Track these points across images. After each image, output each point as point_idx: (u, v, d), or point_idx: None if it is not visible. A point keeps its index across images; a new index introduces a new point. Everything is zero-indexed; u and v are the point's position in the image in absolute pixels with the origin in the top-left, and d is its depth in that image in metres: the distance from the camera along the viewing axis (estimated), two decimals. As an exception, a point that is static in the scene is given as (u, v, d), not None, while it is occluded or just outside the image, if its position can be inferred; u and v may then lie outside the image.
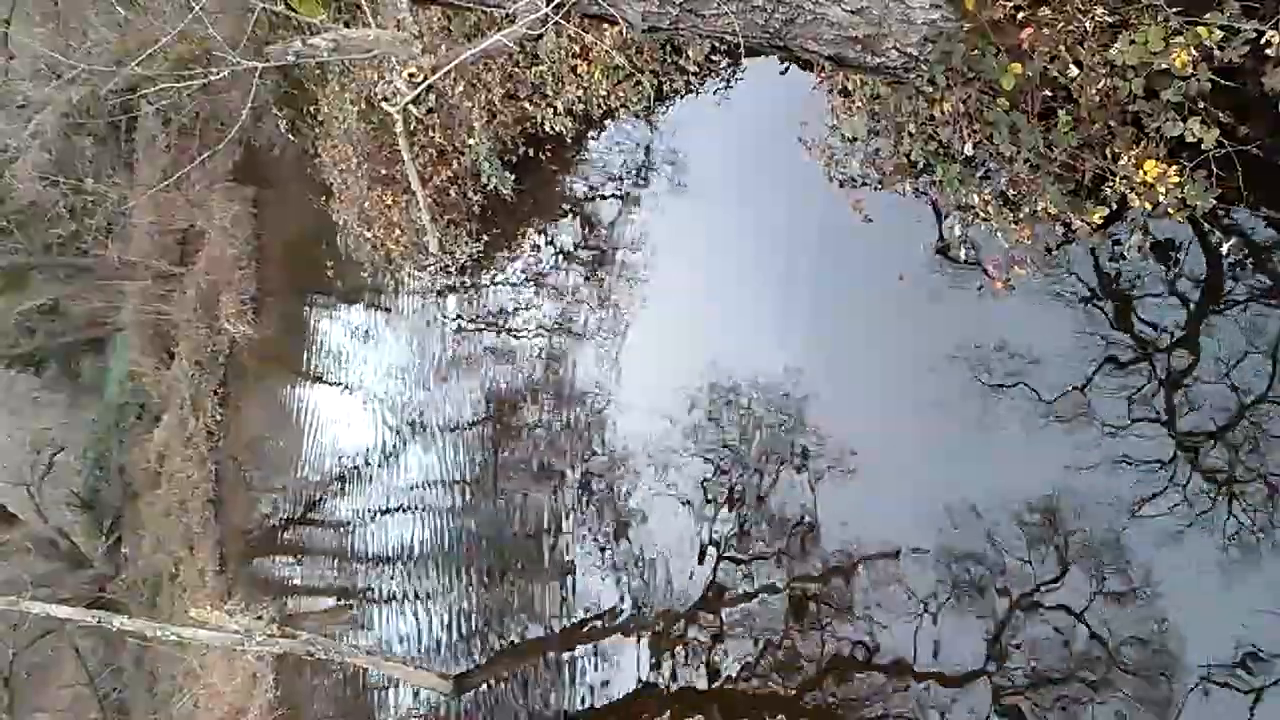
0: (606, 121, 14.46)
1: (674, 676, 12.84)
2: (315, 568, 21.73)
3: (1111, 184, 8.04)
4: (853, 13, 7.68)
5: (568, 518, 14.77)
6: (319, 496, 21.84)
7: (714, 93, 13.27)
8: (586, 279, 15.16)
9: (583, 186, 15.35)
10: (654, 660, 13.15)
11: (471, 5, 7.28)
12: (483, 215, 16.04)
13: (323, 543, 21.60)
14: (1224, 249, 8.34)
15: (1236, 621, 8.44)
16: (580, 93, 13.50)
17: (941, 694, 10.30)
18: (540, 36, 6.91)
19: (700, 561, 12.75)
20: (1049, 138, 8.13)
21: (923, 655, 10.47)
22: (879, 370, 11.29)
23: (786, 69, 11.58)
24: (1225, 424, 8.76)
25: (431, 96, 6.79)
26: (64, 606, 19.58)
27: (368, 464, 20.02)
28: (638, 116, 14.14)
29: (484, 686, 15.90)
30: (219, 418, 25.34)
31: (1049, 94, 8.05)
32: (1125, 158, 7.78)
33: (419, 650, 17.40)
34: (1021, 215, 8.95)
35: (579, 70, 13.32)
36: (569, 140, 14.37)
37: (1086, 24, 7.55)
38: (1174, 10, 7.10)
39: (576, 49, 13.08)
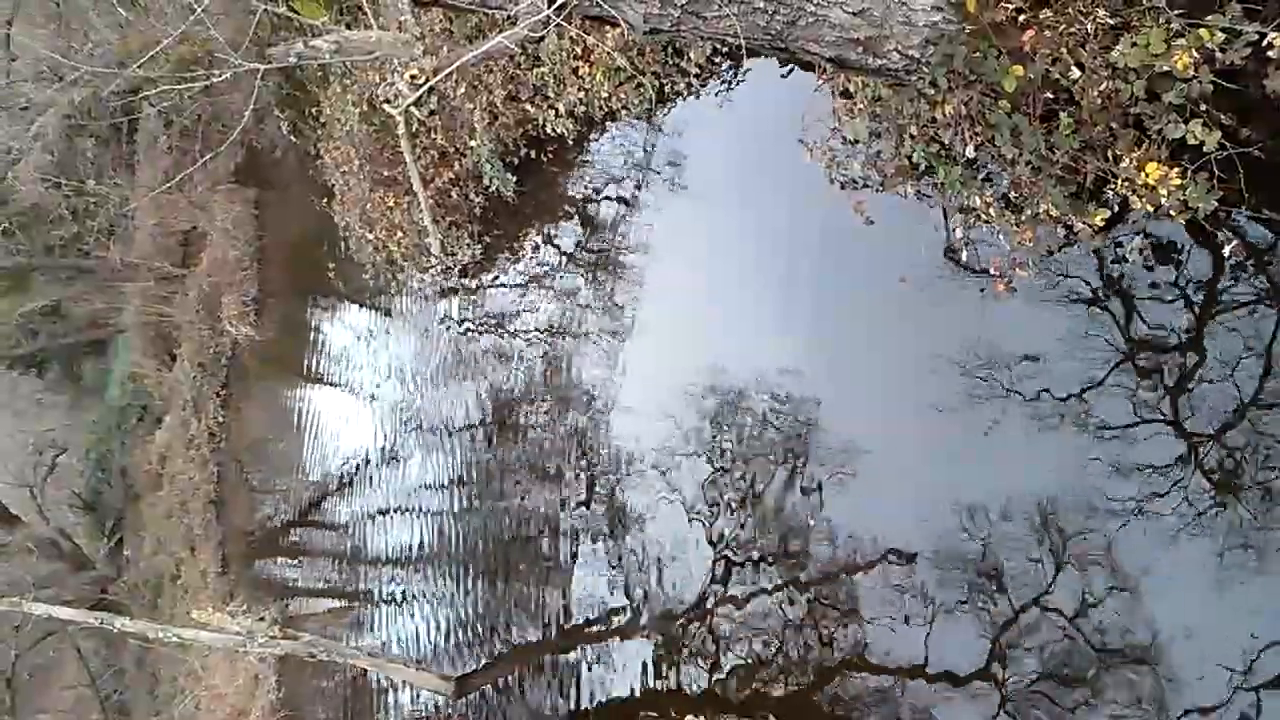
0: (608, 123, 14.46)
1: (675, 678, 12.84)
2: (317, 569, 21.73)
3: (1113, 186, 8.03)
4: (854, 15, 7.68)
5: (569, 519, 14.77)
6: (321, 498, 21.84)
7: (715, 95, 13.26)
8: (588, 281, 15.16)
9: (584, 188, 15.34)
10: (655, 662, 13.15)
11: (473, 7, 7.28)
12: (484, 217, 16.06)
13: (324, 544, 21.61)
14: (1226, 251, 8.33)
15: (1241, 623, 8.43)
16: (582, 94, 13.51)
17: (944, 696, 10.29)
18: (542, 38, 6.91)
19: (702, 563, 12.75)
20: (1051, 140, 8.12)
21: (925, 657, 10.46)
22: (881, 372, 11.28)
23: (788, 71, 11.58)
24: (1227, 426, 8.74)
25: (433, 98, 6.81)
26: (66, 608, 19.63)
27: (369, 465, 20.03)
28: (639, 118, 14.14)
29: (485, 688, 15.90)
30: (221, 419, 25.37)
31: (1051, 96, 8.05)
32: (1127, 160, 7.78)
33: (420, 652, 17.40)
34: (1023, 217, 8.94)
35: (580, 72, 13.33)
36: (571, 142, 14.38)
37: (1088, 26, 7.54)
38: (1176, 12, 7.09)
39: (578, 51, 13.08)
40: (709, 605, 12.60)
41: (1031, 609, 9.73)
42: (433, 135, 15.14)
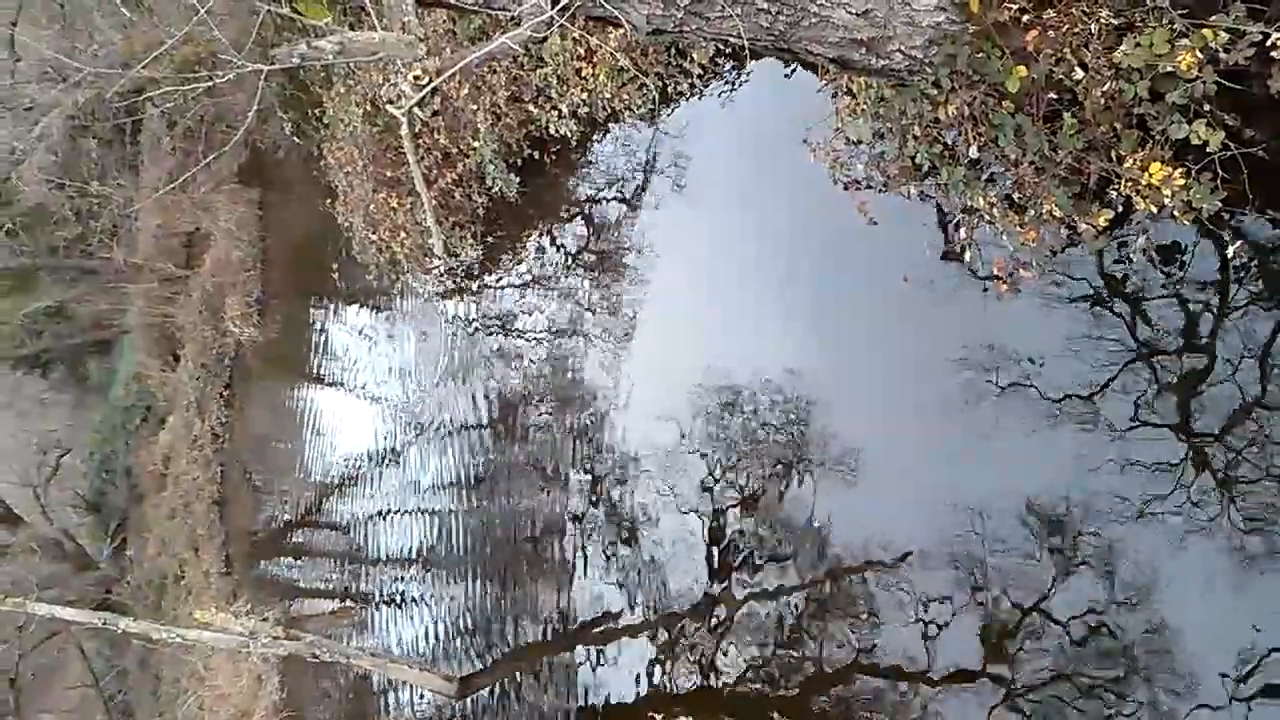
0: (611, 124, 14.47)
1: (678, 679, 12.83)
2: (320, 570, 21.75)
3: (1117, 186, 8.03)
4: (857, 15, 7.67)
5: (572, 520, 14.77)
6: (324, 498, 21.86)
7: (718, 95, 13.27)
8: (590, 281, 15.17)
9: (587, 189, 15.35)
10: (658, 662, 13.15)
11: (477, 8, 7.28)
12: (487, 217, 16.06)
13: (327, 545, 21.62)
14: (1229, 251, 8.32)
15: (1247, 624, 8.42)
16: (585, 95, 13.51)
17: (947, 697, 10.28)
18: (545, 39, 6.92)
19: (703, 563, 12.74)
20: (1054, 140, 8.12)
21: (927, 658, 10.45)
22: (884, 373, 11.27)
23: (791, 72, 11.57)
24: (1232, 425, 8.73)
25: (436, 99, 6.81)
26: (70, 608, 19.62)
27: (372, 466, 20.05)
28: (642, 119, 14.14)
29: (488, 689, 15.90)
30: (224, 420, 25.41)
31: (1054, 96, 8.05)
32: (1130, 160, 7.78)
33: (424, 652, 17.41)
34: (1027, 218, 8.94)
35: (583, 73, 13.33)
36: (574, 143, 14.39)
37: (1092, 27, 7.54)
38: (1179, 13, 7.09)
39: (581, 52, 13.08)
40: (711, 605, 12.60)
41: (1035, 610, 9.72)
42: (436, 136, 15.15)
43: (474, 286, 17.14)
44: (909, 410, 10.94)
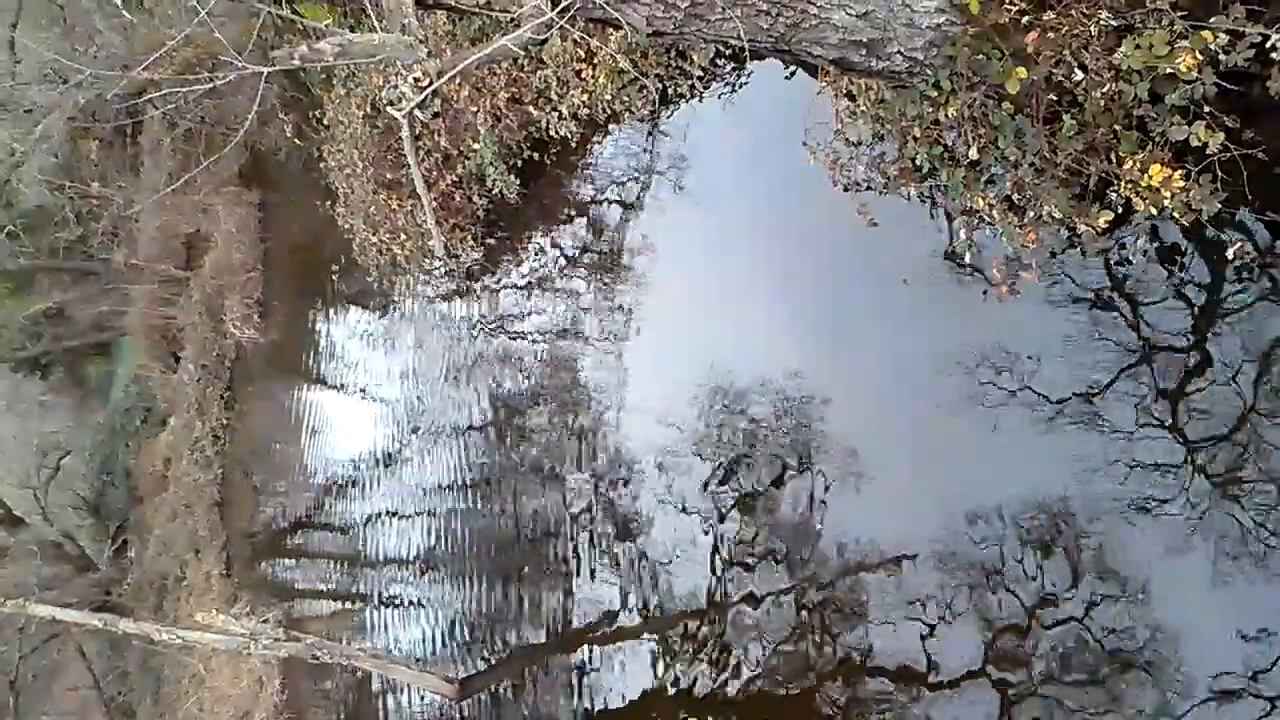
0: (611, 126, 14.48)
1: (680, 680, 12.83)
2: (321, 571, 21.74)
3: (1116, 188, 8.04)
4: (857, 17, 7.69)
5: (573, 522, 14.78)
6: (324, 500, 21.86)
7: (719, 97, 13.27)
8: (591, 283, 15.17)
9: (588, 191, 15.36)
10: (660, 664, 13.15)
11: (477, 10, 7.30)
12: (488, 219, 16.08)
13: (328, 546, 21.62)
14: (1229, 252, 8.32)
15: (1250, 625, 8.42)
16: (585, 97, 13.52)
17: (949, 699, 10.28)
18: (545, 41, 6.93)
19: (706, 565, 12.74)
20: (1054, 142, 8.13)
21: (931, 660, 10.45)
22: (885, 375, 11.28)
23: (791, 73, 11.58)
24: (1233, 428, 8.74)
25: (437, 101, 6.80)
26: (70, 610, 19.64)
27: (373, 468, 20.05)
28: (642, 121, 14.16)
29: (489, 690, 15.90)
30: (225, 421, 25.41)
31: (1054, 98, 8.05)
32: (1130, 162, 7.78)
33: (424, 654, 17.41)
34: (1027, 219, 8.94)
35: (584, 75, 13.34)
36: (574, 144, 14.39)
37: (1091, 28, 7.55)
38: (1179, 14, 7.10)
39: (581, 53, 13.09)
40: (713, 607, 12.60)
41: (1037, 611, 9.72)
42: (436, 138, 15.15)
43: (474, 288, 17.15)
44: (909, 412, 10.95)
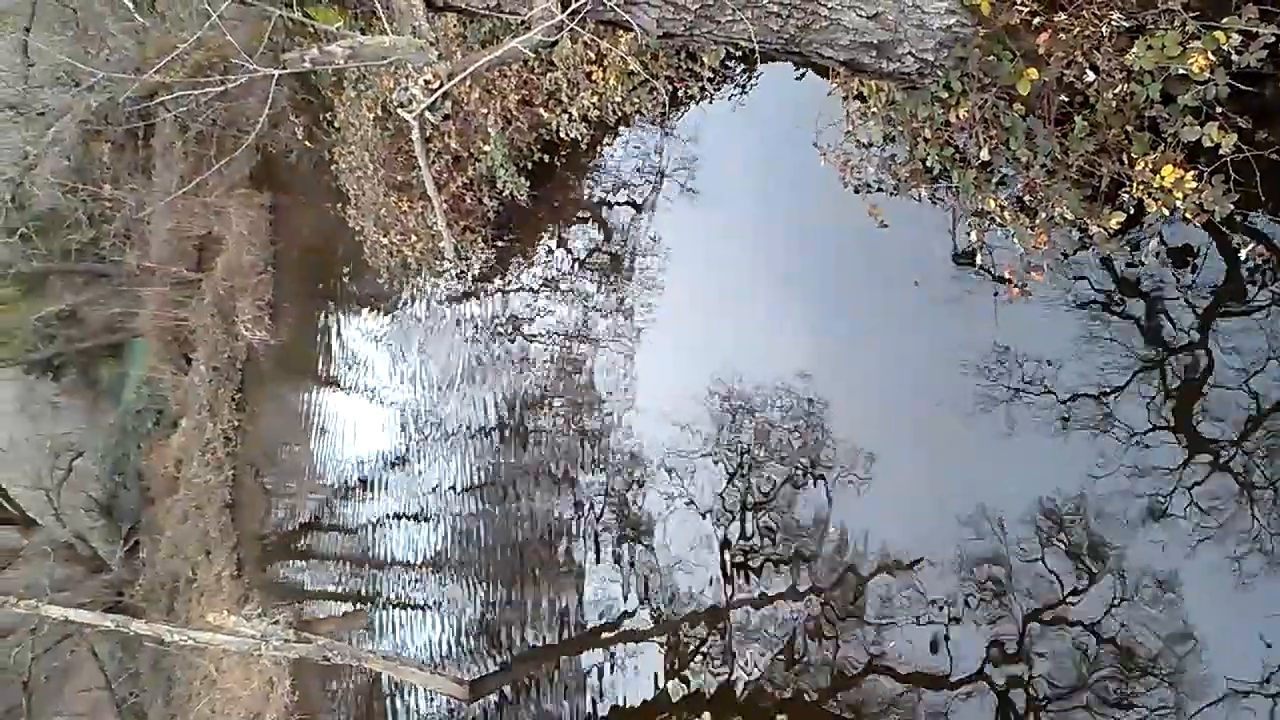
0: (621, 127, 14.49)
1: (689, 682, 12.83)
2: (331, 572, 21.79)
3: (1128, 189, 8.01)
4: (868, 19, 7.67)
5: (583, 523, 14.78)
6: (334, 501, 21.91)
7: (729, 99, 13.27)
8: (601, 284, 15.17)
9: (598, 192, 15.37)
10: (668, 666, 13.14)
11: (487, 12, 7.30)
12: (498, 221, 16.10)
13: (338, 548, 21.67)
14: (1242, 254, 8.29)
15: (1261, 630, 8.38)
16: (595, 99, 13.51)
17: (957, 702, 10.26)
18: (555, 43, 6.93)
19: (714, 567, 12.74)
20: (1065, 143, 8.10)
21: (938, 663, 10.42)
22: (895, 376, 11.26)
23: (801, 75, 11.57)
24: (1246, 430, 8.70)
25: (447, 103, 6.79)
26: (82, 611, 19.71)
27: (383, 469, 20.09)
28: (652, 123, 14.17)
29: (499, 692, 15.92)
30: (236, 423, 25.49)
31: (1065, 99, 8.03)
32: (1142, 163, 7.75)
33: (435, 655, 17.43)
34: (1038, 221, 8.91)
35: (594, 76, 13.34)
36: (584, 146, 14.39)
37: (1103, 29, 7.52)
38: (1191, 15, 7.08)
39: (591, 55, 13.10)
40: (722, 609, 12.59)
41: (1046, 613, 9.69)
42: (446, 140, 15.18)
43: (485, 290, 17.17)
44: (920, 413, 10.93)
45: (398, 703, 18.43)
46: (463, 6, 7.24)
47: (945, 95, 8.34)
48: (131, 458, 30.42)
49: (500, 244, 16.28)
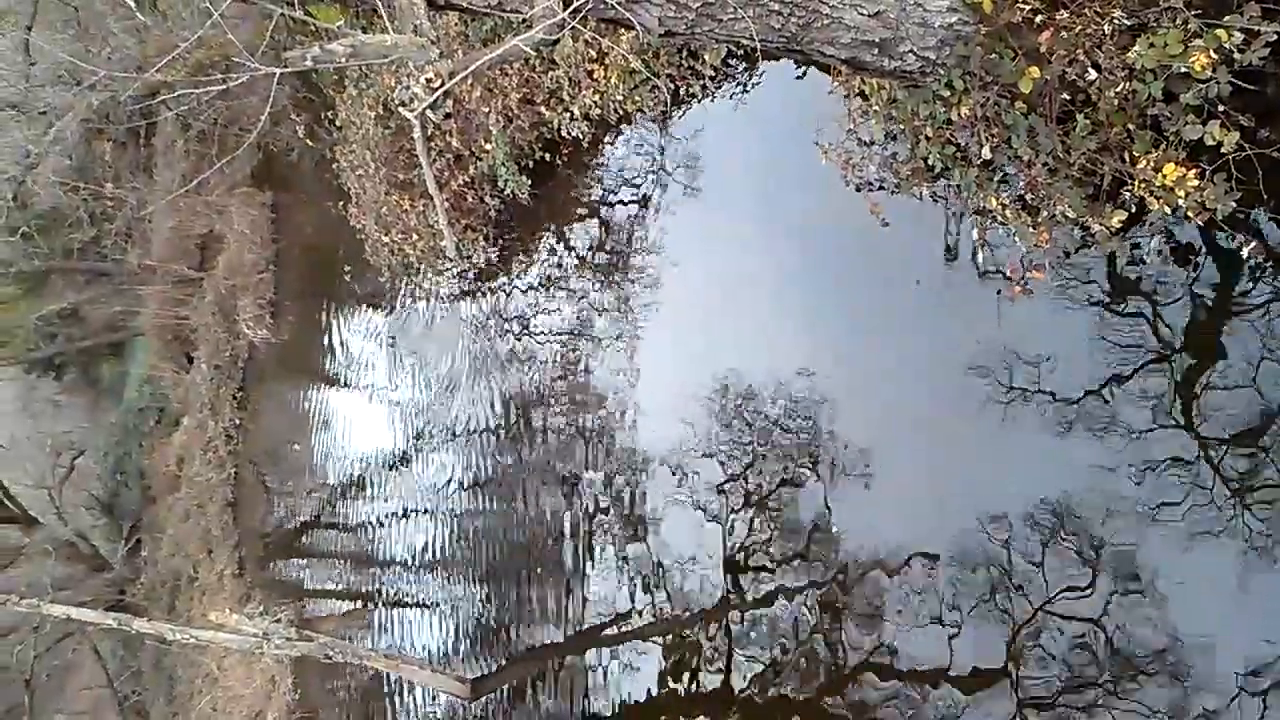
0: (623, 126, 14.48)
1: (691, 681, 12.84)
2: (332, 571, 21.81)
3: (1130, 187, 8.00)
4: (869, 17, 7.67)
5: (584, 522, 14.79)
6: (336, 500, 21.93)
7: (730, 97, 13.26)
8: (602, 283, 15.18)
9: (599, 191, 15.37)
10: (671, 664, 13.15)
11: (488, 10, 7.30)
12: (499, 220, 16.10)
13: (340, 546, 21.69)
14: (1244, 252, 8.28)
15: (1269, 628, 8.38)
16: (597, 97, 13.51)
17: (962, 701, 10.26)
18: (557, 41, 6.93)
19: (718, 565, 12.74)
20: (1067, 141, 8.10)
21: (942, 662, 10.42)
22: (896, 375, 11.25)
23: (803, 73, 11.57)
24: (1248, 428, 8.69)
25: (449, 102, 6.80)
26: (84, 609, 19.74)
27: (385, 468, 20.10)
28: (654, 121, 14.16)
29: (501, 690, 15.93)
30: (238, 421, 25.51)
31: (1067, 97, 8.02)
32: (1144, 161, 7.74)
33: (436, 654, 17.44)
34: (1040, 219, 8.91)
35: (595, 75, 13.33)
36: (585, 145, 14.39)
37: (1105, 27, 7.51)
38: (1193, 13, 7.07)
39: (593, 54, 13.09)
40: (724, 607, 12.60)
41: (1051, 612, 9.69)
42: (448, 138, 15.18)
43: (486, 288, 17.17)
44: (922, 412, 10.92)
45: (399, 701, 18.45)
46: (464, 5, 7.24)
47: (947, 93, 8.34)
48: (133, 456, 30.47)
49: (502, 242, 16.28)
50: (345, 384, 22.21)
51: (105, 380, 34.91)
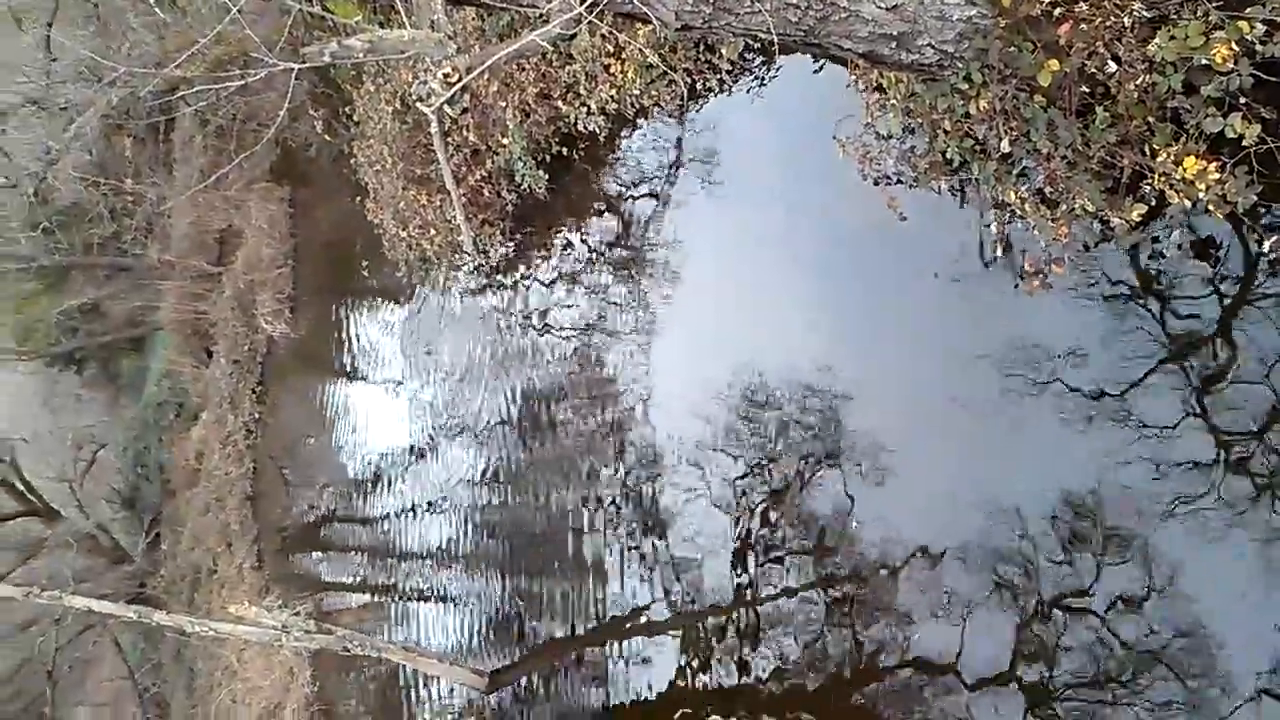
0: (640, 120, 14.46)
1: (707, 675, 12.84)
2: (351, 564, 21.90)
3: (1150, 181, 7.95)
4: (887, 10, 7.65)
5: (601, 516, 14.80)
6: (355, 493, 22.01)
7: (748, 91, 13.24)
8: (620, 277, 15.18)
9: (616, 185, 15.36)
10: (687, 658, 13.16)
11: (505, 5, 7.31)
12: (516, 214, 16.12)
13: (358, 539, 21.78)
14: (1265, 246, 8.22)
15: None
16: (613, 92, 13.51)
17: (976, 696, 10.23)
18: (574, 36, 6.93)
19: (733, 560, 12.74)
20: (1087, 134, 8.06)
21: (958, 656, 10.40)
22: (914, 369, 11.22)
23: (820, 67, 11.54)
24: (1266, 423, 8.64)
25: (466, 96, 6.82)
26: (105, 602, 19.85)
27: (403, 462, 20.16)
28: (671, 115, 14.14)
29: (518, 683, 15.97)
30: (257, 415, 25.62)
31: (1086, 90, 7.98)
32: (1164, 154, 7.70)
33: (454, 646, 17.50)
34: (1059, 213, 8.87)
35: (612, 69, 13.34)
36: (602, 139, 14.39)
37: (1124, 19, 7.47)
38: (1214, 5, 7.02)
39: (610, 48, 13.09)
40: (741, 602, 12.60)
41: (1067, 608, 9.66)
42: (465, 133, 15.21)
43: (503, 283, 17.20)
44: (940, 407, 10.89)
45: (417, 693, 18.52)
46: (481, 0, 7.25)
47: (965, 87, 8.31)
48: (153, 450, 30.66)
49: (519, 237, 16.30)
50: (363, 378, 22.28)
51: (125, 375, 35.11)
